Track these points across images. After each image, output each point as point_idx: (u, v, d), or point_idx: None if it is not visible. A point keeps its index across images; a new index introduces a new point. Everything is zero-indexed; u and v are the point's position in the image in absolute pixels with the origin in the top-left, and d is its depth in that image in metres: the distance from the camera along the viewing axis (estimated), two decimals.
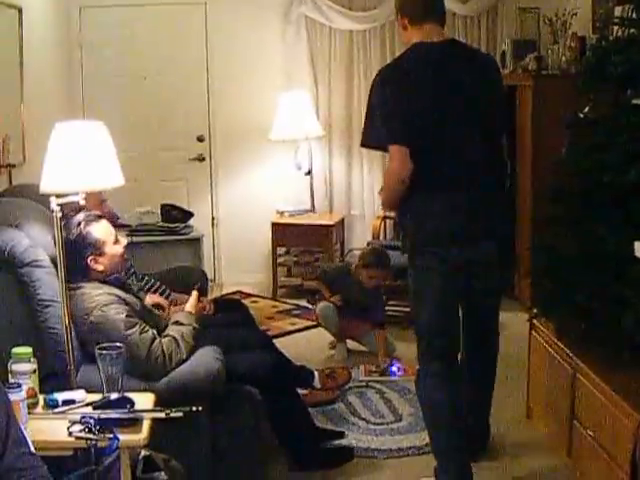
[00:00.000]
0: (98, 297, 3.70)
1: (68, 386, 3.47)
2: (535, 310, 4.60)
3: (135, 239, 5.91)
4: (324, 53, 7.64)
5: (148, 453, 3.24)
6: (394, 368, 5.54)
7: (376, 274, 5.95)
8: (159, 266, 5.51)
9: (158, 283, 4.81)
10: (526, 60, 6.52)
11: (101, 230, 3.89)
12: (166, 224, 6.13)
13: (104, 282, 3.83)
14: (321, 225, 7.37)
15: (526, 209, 6.48)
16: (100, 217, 3.97)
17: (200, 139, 7.78)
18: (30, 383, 3.16)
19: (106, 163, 3.60)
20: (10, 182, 5.22)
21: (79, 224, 3.83)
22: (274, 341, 4.95)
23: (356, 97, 7.63)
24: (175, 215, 6.25)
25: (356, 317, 6.00)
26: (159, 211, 6.31)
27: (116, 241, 3.95)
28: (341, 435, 4.67)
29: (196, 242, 6.09)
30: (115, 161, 3.65)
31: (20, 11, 5.59)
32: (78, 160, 3.49)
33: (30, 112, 5.60)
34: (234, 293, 7.54)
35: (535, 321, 4.67)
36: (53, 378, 3.65)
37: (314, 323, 6.62)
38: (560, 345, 4.26)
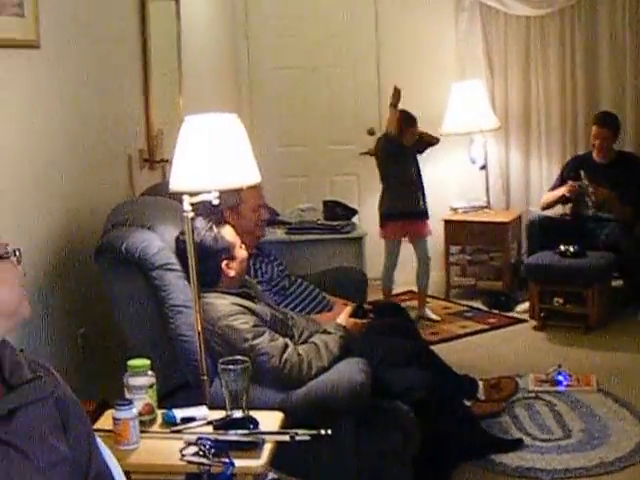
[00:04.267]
0: (223, 308, 3.48)
1: (201, 399, 3.23)
2: None
3: (294, 237, 5.68)
4: (499, 41, 7.22)
5: (277, 476, 2.96)
6: (560, 377, 5.11)
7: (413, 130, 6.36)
8: (318, 266, 5.23)
9: (312, 287, 4.52)
10: None
11: (230, 233, 3.67)
12: (327, 222, 5.84)
13: (228, 293, 3.58)
14: (496, 223, 6.97)
15: None
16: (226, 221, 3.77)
17: (371, 132, 7.48)
18: (147, 398, 2.96)
19: (241, 158, 3.30)
20: (163, 178, 5.06)
21: (211, 227, 3.61)
22: (440, 347, 4.63)
23: (534, 87, 7.20)
24: (338, 212, 5.95)
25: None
26: (321, 208, 6.04)
27: (240, 245, 3.70)
28: (519, 443, 4.38)
29: (358, 241, 5.75)
30: (250, 156, 3.33)
31: (177, 2, 5.46)
32: (210, 156, 3.23)
33: (189, 105, 5.43)
34: (404, 293, 7.27)
35: None
36: (185, 390, 3.46)
37: (486, 327, 6.39)
38: None
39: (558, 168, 6.94)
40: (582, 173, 6.34)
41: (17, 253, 1.95)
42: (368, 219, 6.75)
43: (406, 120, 6.32)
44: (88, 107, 4.25)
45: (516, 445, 4.35)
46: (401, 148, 6.37)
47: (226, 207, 4.03)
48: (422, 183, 6.56)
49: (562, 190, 6.46)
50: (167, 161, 5.11)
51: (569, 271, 6.04)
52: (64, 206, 3.96)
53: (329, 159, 7.64)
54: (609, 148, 6.40)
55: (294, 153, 7.63)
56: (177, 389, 3.45)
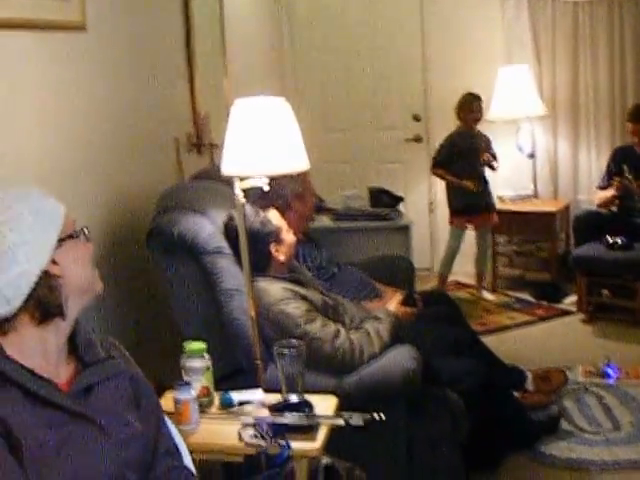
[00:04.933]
0: (274, 292, 3.47)
1: (256, 383, 3.22)
2: None
3: (340, 225, 5.64)
4: (547, 27, 7.06)
5: (330, 461, 2.94)
6: (609, 370, 5.05)
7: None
8: (364, 254, 5.20)
9: (361, 273, 4.49)
10: None
11: (276, 217, 3.66)
12: (373, 209, 5.80)
13: (279, 278, 3.58)
14: (544, 212, 6.88)
15: None
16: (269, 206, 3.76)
17: (416, 118, 7.43)
18: (204, 381, 3.00)
19: (290, 144, 3.24)
20: (212, 162, 5.03)
21: (257, 212, 3.59)
22: (487, 338, 4.59)
23: (582, 73, 7.05)
24: (384, 200, 5.91)
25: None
26: (367, 195, 6.00)
27: (288, 230, 3.69)
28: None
29: (404, 229, 5.69)
30: (300, 142, 3.28)
31: None
32: (260, 140, 3.18)
33: (234, 89, 5.38)
34: (452, 283, 7.19)
35: None
36: (241, 375, 3.45)
37: (534, 318, 6.33)
38: None
39: (607, 157, 6.74)
40: (625, 168, 6.24)
41: (85, 231, 1.97)
42: (414, 207, 6.69)
43: (466, 102, 6.51)
44: (134, 90, 4.22)
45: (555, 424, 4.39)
46: (471, 143, 6.43)
47: (293, 194, 4.02)
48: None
49: (611, 191, 6.34)
50: (214, 145, 5.09)
51: (617, 263, 5.95)
52: (114, 191, 3.94)
53: (374, 145, 7.59)
54: None
55: (338, 138, 7.59)
56: (234, 373, 3.45)
